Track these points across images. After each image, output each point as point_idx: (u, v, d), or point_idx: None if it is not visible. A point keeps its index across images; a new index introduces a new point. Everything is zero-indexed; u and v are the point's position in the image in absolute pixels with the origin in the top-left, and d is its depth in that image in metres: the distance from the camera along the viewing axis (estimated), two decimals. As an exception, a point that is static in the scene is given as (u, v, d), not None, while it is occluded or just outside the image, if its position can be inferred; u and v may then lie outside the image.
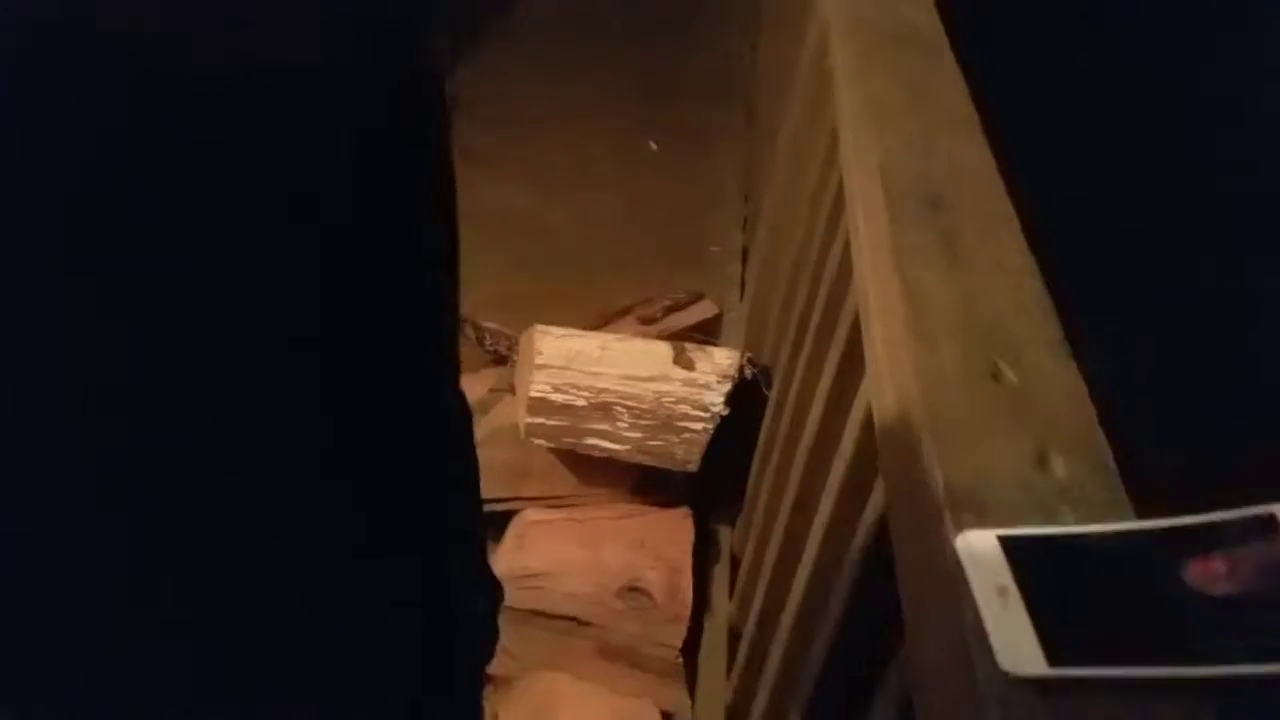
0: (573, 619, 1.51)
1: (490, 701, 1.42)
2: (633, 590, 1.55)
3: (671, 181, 2.76)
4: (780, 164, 1.56)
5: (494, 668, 1.47)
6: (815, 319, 1.18)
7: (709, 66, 3.13)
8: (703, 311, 2.13)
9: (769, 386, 1.54)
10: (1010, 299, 0.68)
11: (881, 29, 1.09)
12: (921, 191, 0.76)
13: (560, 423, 1.56)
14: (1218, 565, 0.46)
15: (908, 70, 0.99)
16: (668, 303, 2.12)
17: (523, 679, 1.46)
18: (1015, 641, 0.45)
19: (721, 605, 1.60)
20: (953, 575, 0.50)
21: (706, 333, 2.07)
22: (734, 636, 1.55)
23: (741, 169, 2.78)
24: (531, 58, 3.09)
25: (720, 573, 1.66)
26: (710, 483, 1.63)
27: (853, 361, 1.00)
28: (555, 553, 1.56)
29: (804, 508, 1.18)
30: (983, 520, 0.53)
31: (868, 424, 0.80)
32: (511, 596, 1.51)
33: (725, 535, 1.71)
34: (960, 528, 0.52)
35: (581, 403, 1.55)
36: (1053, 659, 0.45)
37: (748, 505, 1.62)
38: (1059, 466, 0.56)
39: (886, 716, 0.70)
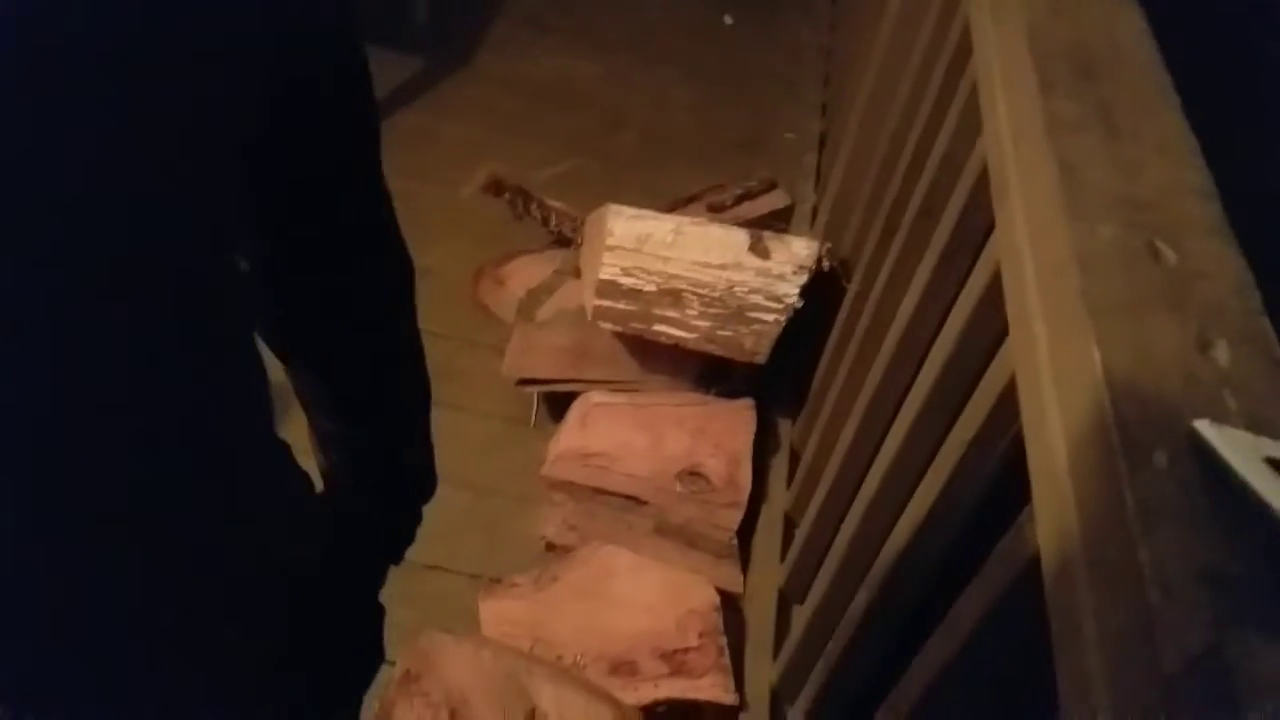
0: (632, 498, 1.52)
1: (551, 566, 1.45)
2: (692, 475, 1.55)
3: (746, 61, 2.64)
4: (883, 37, 1.46)
5: (556, 538, 1.51)
6: (915, 202, 1.12)
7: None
8: (775, 201, 2.06)
9: (848, 280, 1.49)
10: (1171, 177, 0.62)
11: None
12: (1074, 59, 0.70)
13: (628, 307, 1.53)
14: None
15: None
16: (739, 190, 2.05)
17: (583, 549, 1.48)
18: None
19: (778, 494, 1.60)
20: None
21: (778, 223, 2.01)
22: (789, 524, 1.55)
23: (821, 50, 2.65)
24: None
25: (778, 462, 1.65)
26: (774, 374, 1.60)
27: (962, 244, 0.95)
28: (617, 435, 1.55)
29: (882, 403, 1.16)
30: (1144, 408, 0.49)
31: (986, 303, 0.75)
32: (575, 473, 1.53)
33: (785, 428, 1.69)
34: (1117, 409, 0.48)
35: (651, 288, 1.52)
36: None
37: (813, 399, 1.59)
38: (1222, 353, 0.52)
39: (982, 601, 0.68)
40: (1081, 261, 0.55)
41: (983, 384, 0.76)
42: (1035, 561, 0.56)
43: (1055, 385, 0.54)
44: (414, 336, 0.64)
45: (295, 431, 0.63)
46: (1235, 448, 0.44)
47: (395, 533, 0.73)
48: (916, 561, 0.89)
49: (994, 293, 0.76)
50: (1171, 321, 0.53)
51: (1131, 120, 0.67)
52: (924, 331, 1.04)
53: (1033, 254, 0.64)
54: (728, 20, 2.78)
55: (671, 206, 1.98)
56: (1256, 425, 0.48)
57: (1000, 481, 0.80)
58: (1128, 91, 0.70)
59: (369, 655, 0.73)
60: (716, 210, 2.02)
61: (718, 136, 2.39)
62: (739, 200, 2.05)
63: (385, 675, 1.14)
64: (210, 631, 0.52)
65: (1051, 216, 0.59)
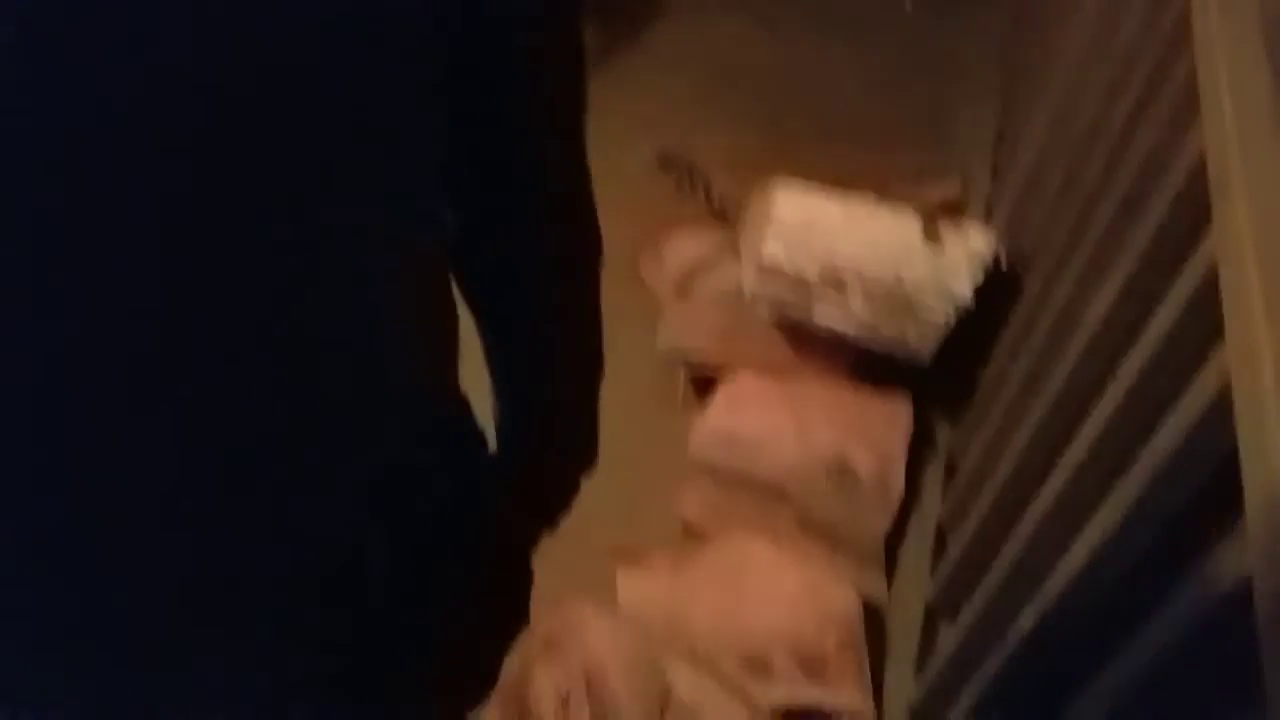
0: (776, 488, 1.49)
1: (690, 549, 1.44)
2: (841, 470, 1.50)
3: (923, 48, 2.52)
4: (1080, 25, 1.36)
5: (696, 520, 1.49)
6: (1114, 196, 1.04)
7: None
8: (947, 190, 1.96)
9: (1027, 279, 1.40)
10: None
11: None
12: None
13: (788, 291, 1.49)
14: None
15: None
16: (912, 176, 1.96)
17: (720, 537, 1.46)
18: None
19: (931, 501, 1.53)
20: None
21: (950, 214, 1.91)
22: (941, 534, 1.48)
23: (1002, 41, 2.50)
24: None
25: (934, 469, 1.58)
26: (935, 374, 1.53)
27: (1167, 243, 0.87)
28: (766, 421, 1.52)
29: (1063, 412, 1.08)
30: None
31: (1196, 307, 0.68)
32: (719, 456, 1.51)
33: (943, 433, 1.62)
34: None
35: (813, 273, 1.47)
36: None
37: (978, 404, 1.51)
38: None
39: (1173, 630, 0.62)
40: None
41: (1190, 394, 0.69)
42: (1238, 592, 0.50)
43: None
44: (594, 311, 0.63)
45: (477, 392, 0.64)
46: None
47: (553, 499, 0.74)
48: (1094, 585, 0.83)
49: (1207, 296, 0.69)
50: None
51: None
52: (1118, 336, 0.96)
53: (1258, 257, 0.57)
54: (907, 6, 2.66)
55: (845, 183, 1.92)
56: None
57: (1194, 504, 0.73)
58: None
59: (516, 618, 0.73)
60: (885, 195, 1.94)
61: (890, 123, 2.30)
62: (910, 186, 1.97)
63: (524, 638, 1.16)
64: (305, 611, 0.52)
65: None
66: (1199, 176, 0.77)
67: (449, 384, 0.59)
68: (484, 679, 0.72)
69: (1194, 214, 0.79)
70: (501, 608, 0.72)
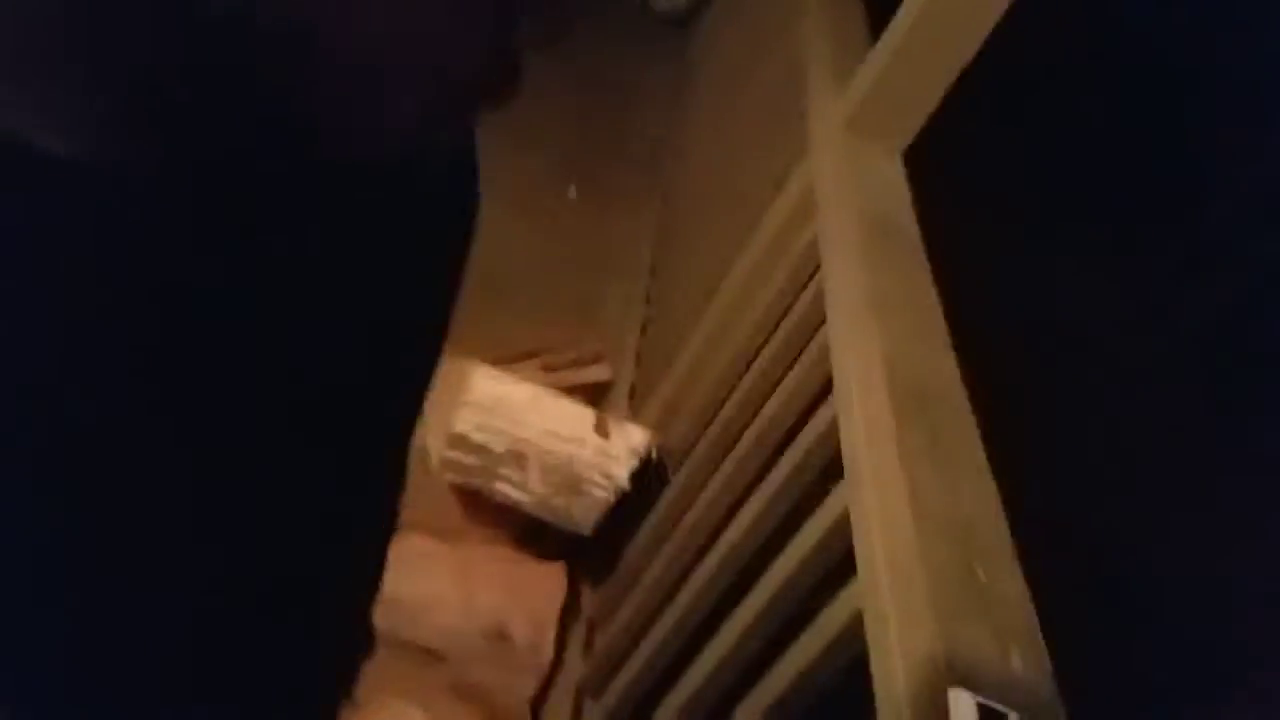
0: (432, 651, 1.56)
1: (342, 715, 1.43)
2: (499, 636, 1.62)
3: (585, 236, 2.86)
4: (731, 286, 1.70)
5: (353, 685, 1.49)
6: (745, 446, 1.32)
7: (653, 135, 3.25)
8: (599, 374, 2.24)
9: (670, 474, 1.67)
10: (981, 505, 0.84)
11: (869, 216, 1.26)
12: (915, 386, 0.92)
13: (474, 462, 1.61)
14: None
15: (896, 265, 1.16)
16: (573, 355, 2.21)
17: (371, 702, 1.48)
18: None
19: (574, 665, 1.69)
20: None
21: (597, 396, 2.18)
22: (579, 695, 1.64)
23: (653, 241, 2.91)
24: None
25: (578, 632, 1.75)
26: (589, 547, 1.73)
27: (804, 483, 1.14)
28: (429, 584, 1.60)
29: (701, 604, 1.31)
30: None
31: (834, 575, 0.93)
32: (380, 621, 1.54)
33: (589, 597, 1.80)
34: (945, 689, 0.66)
35: (500, 448, 1.62)
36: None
37: (618, 578, 1.72)
38: (1015, 659, 0.72)
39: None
40: (926, 568, 0.74)
41: (826, 616, 0.92)
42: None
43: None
44: None
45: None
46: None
47: None
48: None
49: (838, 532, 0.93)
50: (983, 629, 0.73)
51: (955, 447, 0.90)
52: (751, 557, 1.21)
53: (884, 540, 0.83)
54: (572, 193, 3.01)
55: (510, 358, 2.10)
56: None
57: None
58: (950, 422, 0.93)
59: None
60: (549, 369, 2.16)
61: (553, 298, 2.55)
62: (571, 364, 2.22)
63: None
64: None
65: (905, 539, 0.78)
66: (831, 434, 1.03)
67: None
68: None
69: (829, 461, 1.04)
70: None
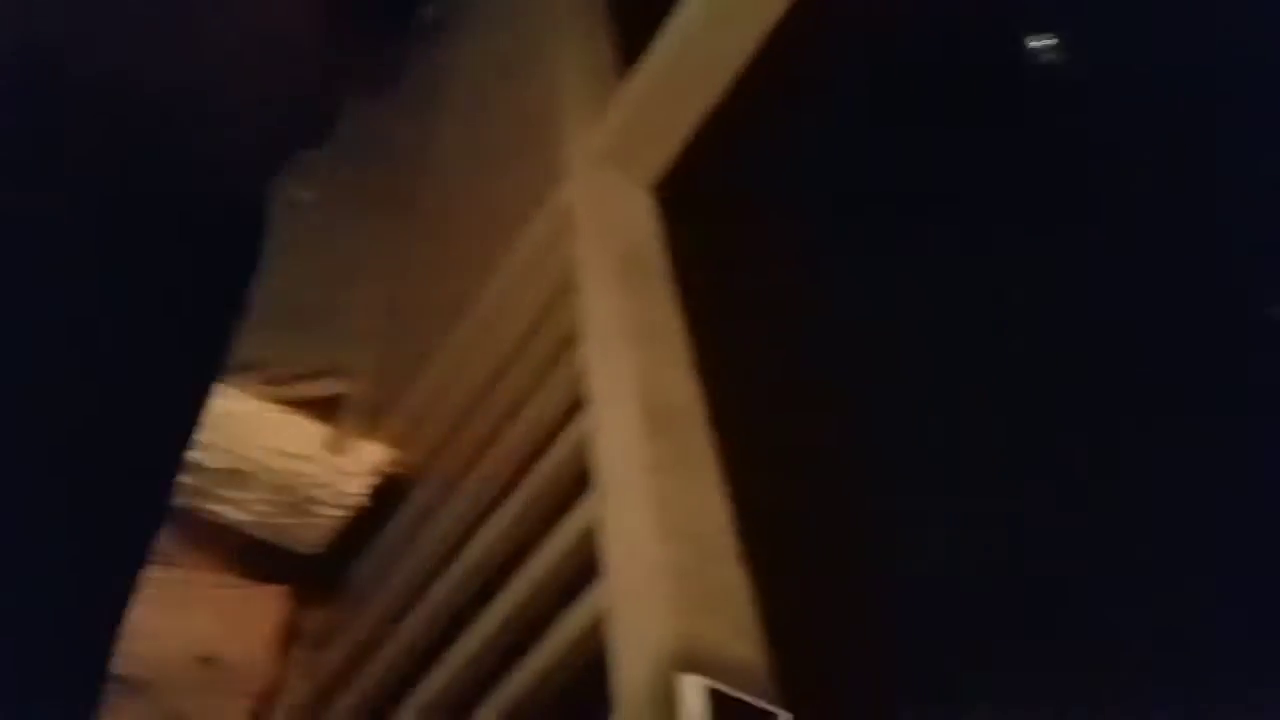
0: (141, 680, 1.42)
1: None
2: (210, 660, 1.50)
3: (318, 244, 2.72)
4: (489, 297, 1.70)
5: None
6: (493, 462, 1.35)
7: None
8: (327, 388, 2.15)
9: (411, 491, 1.65)
10: (715, 514, 0.93)
11: (622, 245, 1.35)
12: (662, 406, 1.00)
13: (189, 480, 1.49)
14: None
15: (646, 293, 1.25)
16: (299, 370, 2.11)
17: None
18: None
19: (298, 686, 1.60)
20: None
21: (327, 410, 2.09)
22: (303, 715, 1.56)
23: (396, 250, 2.83)
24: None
25: (299, 654, 1.66)
26: (324, 565, 1.66)
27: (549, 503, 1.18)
28: (142, 612, 1.45)
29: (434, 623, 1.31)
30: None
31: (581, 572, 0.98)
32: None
33: (315, 618, 1.72)
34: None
35: (218, 465, 1.51)
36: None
37: (349, 597, 1.66)
38: (742, 648, 0.81)
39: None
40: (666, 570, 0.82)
41: (570, 617, 0.96)
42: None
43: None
44: None
45: None
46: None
47: None
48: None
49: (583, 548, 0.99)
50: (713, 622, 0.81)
51: (695, 462, 0.99)
52: (495, 567, 1.24)
53: (629, 546, 0.89)
54: (305, 195, 2.86)
55: (232, 372, 1.96)
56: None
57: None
58: (691, 439, 1.02)
59: None
60: (273, 383, 2.04)
61: (280, 309, 2.41)
62: (297, 379, 2.11)
63: None
64: None
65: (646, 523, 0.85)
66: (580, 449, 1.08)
67: None
68: None
69: (576, 485, 1.10)
70: None
